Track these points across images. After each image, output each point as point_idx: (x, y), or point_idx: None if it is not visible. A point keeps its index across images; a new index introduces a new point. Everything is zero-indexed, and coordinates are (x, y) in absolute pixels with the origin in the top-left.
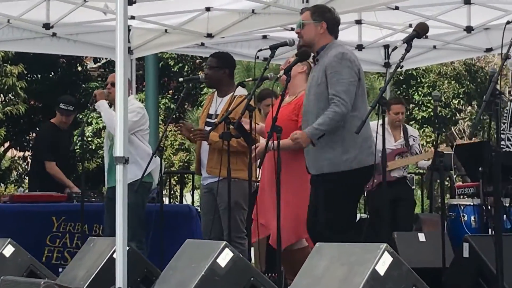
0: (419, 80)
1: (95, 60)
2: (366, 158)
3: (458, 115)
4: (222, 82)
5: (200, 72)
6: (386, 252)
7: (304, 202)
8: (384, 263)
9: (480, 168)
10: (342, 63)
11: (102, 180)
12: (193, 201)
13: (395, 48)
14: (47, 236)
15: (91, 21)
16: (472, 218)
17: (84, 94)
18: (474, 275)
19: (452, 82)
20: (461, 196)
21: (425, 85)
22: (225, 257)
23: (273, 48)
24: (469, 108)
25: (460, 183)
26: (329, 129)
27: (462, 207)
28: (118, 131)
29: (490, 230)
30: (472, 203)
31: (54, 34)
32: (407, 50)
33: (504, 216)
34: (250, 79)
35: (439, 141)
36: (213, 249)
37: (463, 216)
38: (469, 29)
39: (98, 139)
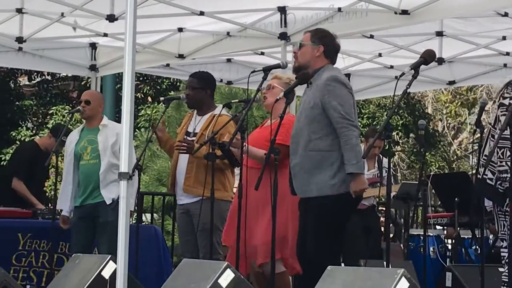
0: (358, 111)
1: (29, 78)
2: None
3: (394, 147)
4: (204, 102)
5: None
6: (403, 278)
7: (281, 222)
8: None
9: (456, 199)
10: (337, 87)
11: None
12: (152, 221)
13: (403, 74)
14: (12, 254)
15: (60, 37)
16: (432, 248)
17: (18, 112)
18: None
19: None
20: (434, 226)
21: (365, 116)
22: (226, 278)
23: (266, 70)
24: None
25: (433, 213)
26: (360, 154)
27: (422, 237)
28: (123, 148)
29: (448, 260)
30: (432, 234)
31: (20, 49)
32: (414, 77)
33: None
34: (237, 100)
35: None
36: (214, 270)
37: (422, 247)
38: (440, 61)
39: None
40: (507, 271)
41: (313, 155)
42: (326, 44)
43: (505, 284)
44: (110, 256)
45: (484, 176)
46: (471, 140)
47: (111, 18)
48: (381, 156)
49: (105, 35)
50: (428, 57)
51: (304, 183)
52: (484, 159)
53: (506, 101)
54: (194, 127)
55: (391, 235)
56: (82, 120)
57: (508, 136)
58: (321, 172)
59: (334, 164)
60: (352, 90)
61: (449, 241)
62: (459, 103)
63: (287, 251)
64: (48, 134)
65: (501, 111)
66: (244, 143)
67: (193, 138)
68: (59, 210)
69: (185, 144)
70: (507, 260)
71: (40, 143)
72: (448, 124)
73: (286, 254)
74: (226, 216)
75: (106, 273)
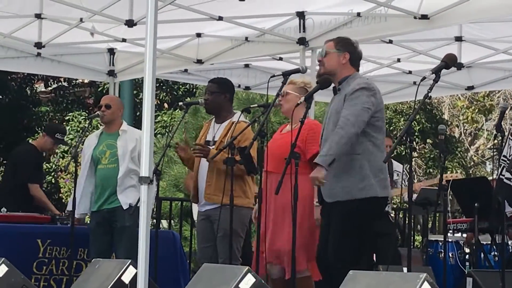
0: None
1: (46, 84)
2: (381, 189)
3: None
4: (222, 107)
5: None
6: (426, 282)
7: (306, 230)
8: None
9: (476, 204)
10: (362, 92)
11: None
12: (169, 227)
13: (424, 78)
14: (33, 262)
15: (78, 42)
16: (451, 254)
17: (34, 118)
18: None
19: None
20: (454, 232)
21: None
22: (247, 282)
23: (286, 75)
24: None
25: (453, 219)
26: (338, 153)
27: (440, 243)
28: (144, 152)
29: (467, 266)
30: (451, 240)
31: (38, 54)
32: (436, 81)
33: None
34: (255, 105)
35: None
36: (235, 274)
37: (441, 252)
38: (459, 66)
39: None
40: None
41: (341, 159)
42: (351, 51)
43: None
44: (130, 261)
45: (502, 176)
46: (490, 145)
47: (130, 23)
48: (391, 160)
49: (124, 40)
50: (449, 61)
51: (332, 186)
52: (503, 159)
53: None
54: (214, 135)
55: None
56: (99, 125)
57: None
58: (349, 176)
59: (363, 168)
60: (380, 99)
61: (469, 246)
62: (476, 110)
63: (313, 254)
64: (42, 134)
65: None
66: None
67: (213, 147)
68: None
69: (201, 148)
70: None
71: (37, 145)
72: (465, 131)
73: (313, 259)
74: (247, 222)
75: (126, 278)
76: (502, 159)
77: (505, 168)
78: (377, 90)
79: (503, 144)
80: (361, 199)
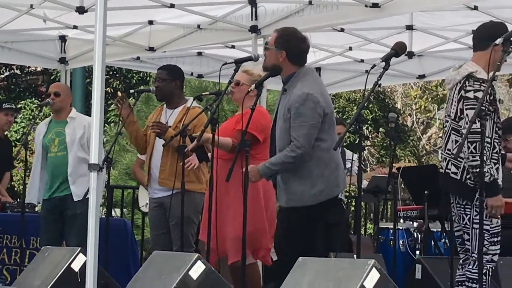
0: None
1: None
2: (333, 190)
3: (364, 142)
4: (174, 94)
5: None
6: (374, 268)
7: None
8: (372, 279)
9: (426, 192)
10: (305, 105)
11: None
12: (121, 215)
13: (374, 66)
14: None
15: (29, 29)
16: (401, 241)
17: None
18: None
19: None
20: (404, 219)
21: (335, 111)
22: (197, 270)
23: (238, 63)
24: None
25: (404, 206)
26: (281, 170)
27: (391, 230)
28: (93, 139)
29: (418, 253)
30: (402, 227)
31: None
32: (385, 69)
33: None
34: (207, 93)
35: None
36: (184, 261)
37: (392, 240)
38: (410, 55)
39: None
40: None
41: None
42: (291, 47)
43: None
44: (80, 248)
45: (447, 170)
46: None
47: (81, 10)
48: (344, 149)
49: (75, 27)
50: (399, 49)
51: (285, 192)
52: (447, 153)
53: (470, 94)
54: (166, 121)
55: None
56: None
57: (478, 130)
58: (300, 182)
59: (313, 174)
60: (324, 105)
61: (419, 234)
62: (429, 99)
63: (258, 244)
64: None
65: (466, 105)
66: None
67: (159, 123)
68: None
69: (159, 125)
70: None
71: None
72: (417, 120)
73: (258, 246)
74: (200, 209)
75: (76, 266)
76: (446, 153)
77: (450, 162)
78: (320, 98)
79: (445, 137)
80: (313, 205)
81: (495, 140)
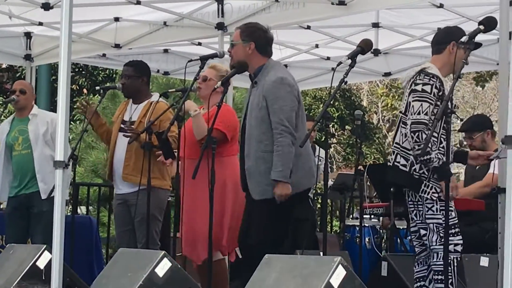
0: None
1: None
2: (307, 181)
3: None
4: (140, 90)
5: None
6: (340, 266)
7: (222, 212)
8: (338, 276)
9: (391, 189)
10: (282, 88)
11: None
12: (87, 212)
13: (340, 63)
14: None
15: None
16: (367, 239)
17: None
18: None
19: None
20: (370, 216)
21: None
22: (163, 267)
23: (203, 60)
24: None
25: (370, 204)
26: (290, 161)
27: (357, 228)
28: (59, 137)
29: (384, 251)
30: (368, 224)
31: None
32: (351, 66)
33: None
34: (173, 89)
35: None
36: (151, 259)
37: (358, 237)
38: (376, 52)
39: None
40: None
41: (265, 157)
42: (258, 38)
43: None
44: (45, 246)
45: (396, 163)
46: None
47: (46, 6)
48: (315, 145)
49: (40, 24)
50: (365, 47)
51: (259, 184)
52: (396, 146)
53: (419, 87)
54: (131, 116)
55: None
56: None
57: (424, 120)
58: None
59: None
60: (298, 89)
61: (385, 231)
62: (396, 97)
63: (225, 240)
64: None
65: (413, 97)
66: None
67: (132, 127)
68: None
69: (132, 129)
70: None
71: None
72: (383, 117)
73: (225, 242)
74: (164, 206)
75: (41, 263)
76: (395, 146)
77: (399, 155)
78: (293, 81)
79: (395, 131)
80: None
81: (442, 136)
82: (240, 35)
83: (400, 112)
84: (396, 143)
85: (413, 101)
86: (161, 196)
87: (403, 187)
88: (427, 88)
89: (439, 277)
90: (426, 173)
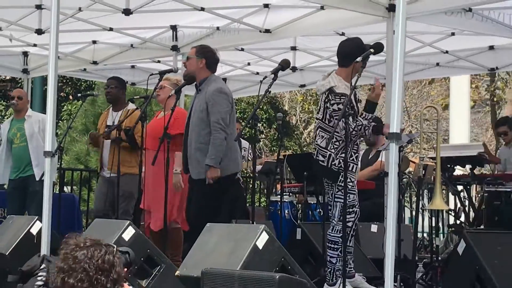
0: None
1: None
2: (234, 167)
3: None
4: (120, 98)
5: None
6: (264, 232)
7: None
8: (262, 239)
9: (304, 173)
10: (220, 96)
11: None
12: (71, 191)
13: (265, 77)
14: None
15: None
16: (286, 211)
17: None
18: (305, 254)
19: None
20: (289, 194)
21: (238, 111)
22: (128, 233)
23: (162, 74)
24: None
25: (288, 184)
26: (221, 152)
27: (279, 202)
28: (48, 132)
29: (299, 220)
30: (287, 200)
31: None
32: (274, 80)
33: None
34: (138, 96)
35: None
36: (119, 227)
37: (279, 210)
38: (294, 69)
39: None
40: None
41: (202, 147)
42: (208, 57)
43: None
44: (37, 217)
45: (317, 158)
46: None
47: (39, 31)
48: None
49: (35, 45)
50: (284, 65)
51: (196, 166)
52: (315, 146)
53: (335, 107)
54: (113, 121)
55: None
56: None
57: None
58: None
59: None
60: (232, 97)
61: (300, 205)
62: (311, 102)
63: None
64: None
65: (335, 116)
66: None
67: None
68: None
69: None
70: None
71: None
72: (300, 118)
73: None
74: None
75: (34, 230)
76: (315, 145)
77: (319, 152)
78: (229, 91)
79: (315, 134)
80: (219, 178)
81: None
82: (196, 52)
83: (317, 118)
84: (316, 143)
85: (336, 118)
86: (137, 179)
87: (325, 178)
88: (341, 106)
89: (332, 245)
90: (343, 166)
